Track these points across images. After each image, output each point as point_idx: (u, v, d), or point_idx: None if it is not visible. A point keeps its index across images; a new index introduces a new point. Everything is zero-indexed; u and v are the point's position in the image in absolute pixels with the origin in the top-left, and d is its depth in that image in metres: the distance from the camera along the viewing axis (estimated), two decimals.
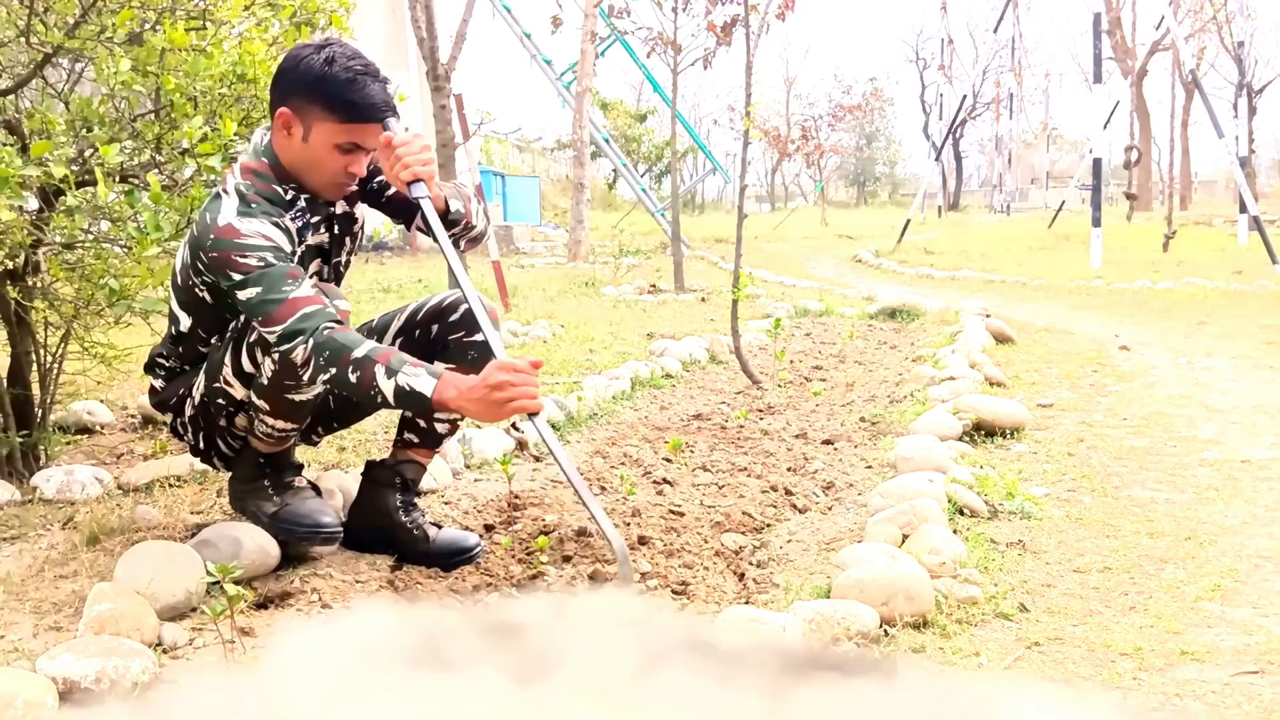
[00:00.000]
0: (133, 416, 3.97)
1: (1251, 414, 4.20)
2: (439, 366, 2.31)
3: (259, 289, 2.25)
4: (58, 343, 3.23)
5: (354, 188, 2.52)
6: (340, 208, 2.59)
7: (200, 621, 2.15)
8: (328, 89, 2.31)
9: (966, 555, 2.44)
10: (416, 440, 2.64)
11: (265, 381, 2.41)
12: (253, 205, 2.34)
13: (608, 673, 0.42)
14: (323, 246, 2.55)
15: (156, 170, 3.01)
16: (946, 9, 31.32)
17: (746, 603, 2.31)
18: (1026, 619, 2.20)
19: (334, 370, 2.21)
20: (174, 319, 2.56)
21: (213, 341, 2.53)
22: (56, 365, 3.23)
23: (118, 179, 2.92)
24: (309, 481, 2.65)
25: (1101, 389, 4.82)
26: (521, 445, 3.63)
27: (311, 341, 2.21)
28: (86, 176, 2.80)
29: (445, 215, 2.51)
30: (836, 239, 21.02)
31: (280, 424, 2.48)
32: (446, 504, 3.01)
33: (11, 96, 3.01)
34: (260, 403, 2.43)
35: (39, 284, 3.04)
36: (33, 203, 2.89)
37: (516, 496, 3.01)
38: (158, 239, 2.87)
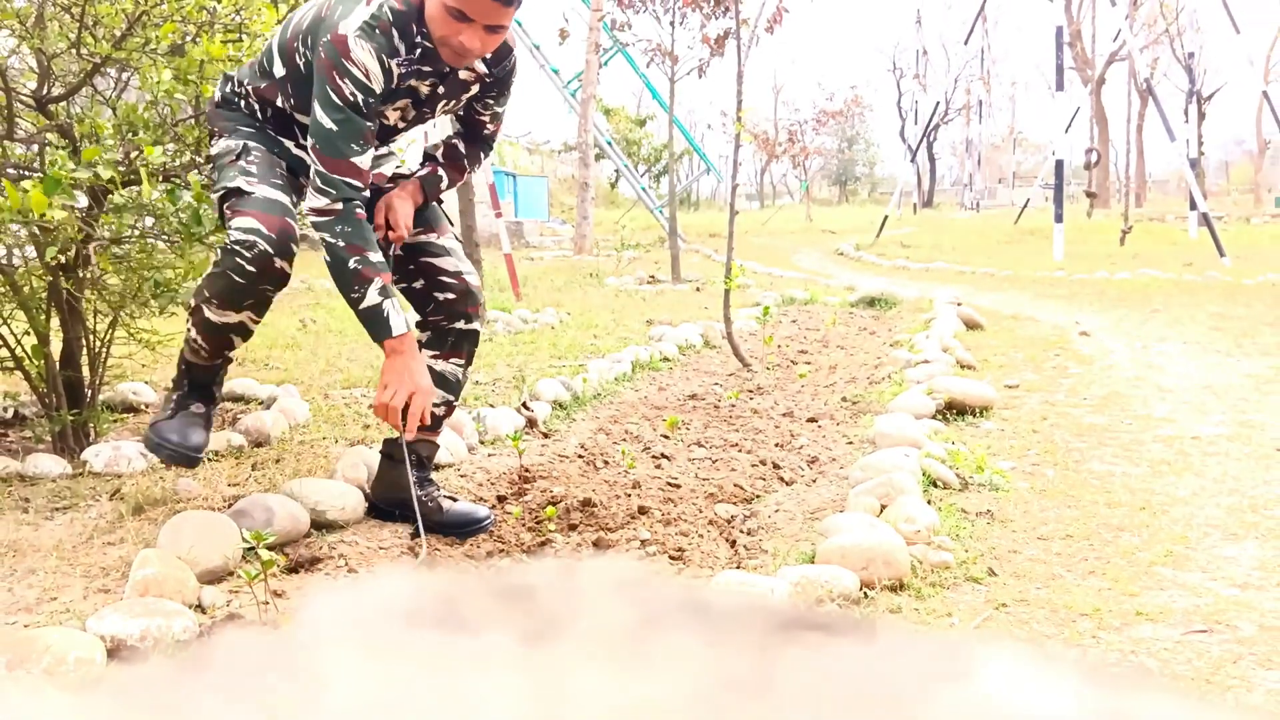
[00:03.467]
0: None
1: (1201, 394, 4.19)
2: (416, 330, 2.27)
3: (333, 126, 2.19)
4: (106, 329, 3.23)
5: (471, 67, 2.36)
6: (465, 73, 2.40)
7: (237, 585, 2.15)
8: None
9: (939, 524, 2.44)
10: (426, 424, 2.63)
11: (213, 275, 2.28)
12: (376, 32, 2.18)
13: (610, 631, 0.42)
14: (419, 94, 2.38)
15: (196, 170, 3.00)
16: (921, 23, 31.18)
17: (738, 567, 2.31)
18: (994, 582, 2.20)
19: (342, 244, 2.20)
20: (269, 57, 2.41)
21: (289, 105, 2.41)
22: (105, 349, 3.23)
23: (161, 179, 2.91)
24: (207, 412, 2.55)
25: (1063, 371, 4.81)
26: (531, 423, 3.63)
27: (340, 206, 2.20)
28: (132, 177, 2.78)
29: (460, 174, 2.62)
30: (820, 234, 21.00)
31: (200, 336, 2.38)
32: (462, 476, 3.01)
33: (63, 103, 3.00)
34: (204, 291, 2.31)
35: (89, 275, 3.04)
36: (83, 201, 2.89)
37: (527, 470, 3.01)
38: (199, 235, 2.87)
